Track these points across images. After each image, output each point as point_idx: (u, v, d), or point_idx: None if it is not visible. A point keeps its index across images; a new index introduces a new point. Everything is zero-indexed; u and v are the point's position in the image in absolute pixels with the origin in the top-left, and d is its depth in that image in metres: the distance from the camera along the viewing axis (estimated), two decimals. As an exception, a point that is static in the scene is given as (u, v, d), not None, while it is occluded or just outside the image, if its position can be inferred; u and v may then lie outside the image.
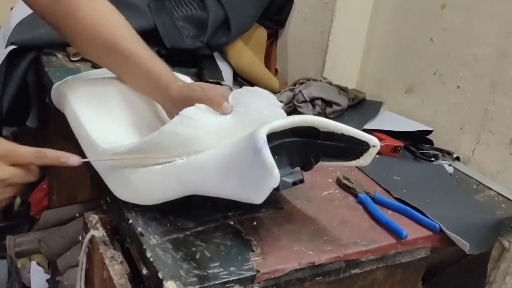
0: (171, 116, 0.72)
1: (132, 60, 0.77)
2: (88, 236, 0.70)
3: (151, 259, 0.56)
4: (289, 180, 0.63)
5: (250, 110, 0.67)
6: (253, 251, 0.61)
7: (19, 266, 1.40)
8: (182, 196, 0.64)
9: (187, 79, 0.89)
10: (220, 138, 0.64)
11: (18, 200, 1.85)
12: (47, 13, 0.78)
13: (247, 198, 0.58)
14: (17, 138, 1.81)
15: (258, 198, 0.57)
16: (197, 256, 0.58)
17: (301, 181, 0.66)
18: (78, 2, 0.76)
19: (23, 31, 1.19)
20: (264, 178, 0.54)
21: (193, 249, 0.60)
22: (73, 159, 0.60)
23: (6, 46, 1.19)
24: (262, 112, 0.68)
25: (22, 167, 0.59)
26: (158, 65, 0.78)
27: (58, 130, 1.17)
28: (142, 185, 0.65)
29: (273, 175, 0.54)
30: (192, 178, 0.62)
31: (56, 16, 0.78)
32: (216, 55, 1.31)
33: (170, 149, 0.63)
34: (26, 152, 0.59)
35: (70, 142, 0.79)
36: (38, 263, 1.41)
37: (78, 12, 0.76)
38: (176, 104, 0.72)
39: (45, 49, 1.21)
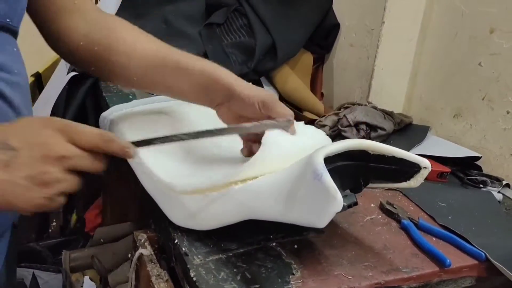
0: (233, 114, 0.74)
1: (187, 68, 0.74)
2: (137, 254, 0.73)
3: (194, 279, 0.59)
4: (344, 203, 0.63)
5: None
6: (293, 274, 0.62)
7: (73, 280, 1.46)
8: (240, 221, 0.65)
9: None
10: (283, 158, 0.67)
11: (74, 217, 1.94)
12: (84, 43, 0.75)
13: (310, 223, 0.59)
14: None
15: (321, 223, 0.57)
16: (238, 277, 0.60)
17: (355, 203, 0.67)
18: (115, 25, 0.78)
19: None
20: (327, 203, 0.55)
21: (235, 270, 0.62)
22: (134, 152, 0.56)
23: (68, 72, 1.27)
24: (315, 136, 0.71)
25: (86, 150, 0.53)
26: (212, 65, 0.75)
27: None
28: (200, 211, 0.66)
29: (337, 200, 0.55)
30: (251, 204, 0.63)
31: (94, 44, 0.75)
32: (262, 79, 1.34)
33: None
34: (90, 131, 0.53)
35: (123, 164, 0.84)
36: (90, 278, 1.47)
37: (117, 34, 0.76)
38: (244, 104, 0.71)
39: (103, 75, 1.28)
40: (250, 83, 0.74)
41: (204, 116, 0.83)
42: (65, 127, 0.52)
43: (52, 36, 0.78)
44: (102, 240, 1.32)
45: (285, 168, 0.63)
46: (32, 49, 1.07)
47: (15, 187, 0.49)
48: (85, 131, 0.53)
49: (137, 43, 0.77)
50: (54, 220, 1.83)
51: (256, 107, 0.70)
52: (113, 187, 1.27)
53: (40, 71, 1.91)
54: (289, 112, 0.71)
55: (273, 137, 0.68)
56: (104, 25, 0.78)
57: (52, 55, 1.92)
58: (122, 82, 0.86)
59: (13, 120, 0.53)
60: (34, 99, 1.05)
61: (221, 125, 0.80)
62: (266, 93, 0.73)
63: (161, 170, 0.72)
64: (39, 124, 0.51)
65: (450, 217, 0.83)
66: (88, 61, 0.78)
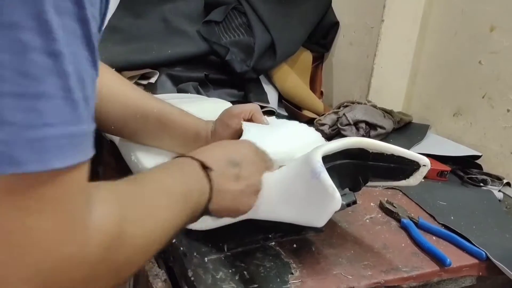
0: None
1: (167, 120, 0.75)
2: (134, 254, 0.73)
3: (192, 278, 0.58)
4: (343, 202, 0.62)
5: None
6: (292, 273, 0.62)
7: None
8: (239, 220, 0.64)
9: (227, 104, 0.91)
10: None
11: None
12: None
13: (308, 222, 0.59)
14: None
15: (320, 222, 0.57)
16: (237, 277, 0.60)
17: (354, 202, 0.66)
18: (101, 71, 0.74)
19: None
20: (326, 202, 0.55)
21: (233, 269, 0.61)
22: None
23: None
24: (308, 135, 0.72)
25: None
26: (190, 117, 0.78)
27: (111, 151, 1.23)
28: None
29: (335, 199, 0.54)
30: None
31: None
32: (262, 78, 1.34)
33: None
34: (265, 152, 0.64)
35: (123, 164, 0.83)
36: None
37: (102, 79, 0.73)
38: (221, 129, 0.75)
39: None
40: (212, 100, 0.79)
41: (204, 116, 0.83)
42: (254, 145, 0.64)
43: None
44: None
45: (283, 167, 0.62)
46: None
47: (243, 196, 0.59)
48: (264, 153, 0.64)
49: (119, 90, 0.74)
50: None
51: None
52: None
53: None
54: (251, 107, 0.76)
55: (258, 135, 0.68)
56: None
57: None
58: (101, 127, 0.82)
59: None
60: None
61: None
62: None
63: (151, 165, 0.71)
64: (244, 143, 0.64)
65: (450, 216, 0.82)
66: None
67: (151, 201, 0.46)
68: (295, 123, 0.80)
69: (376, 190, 0.89)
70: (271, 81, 1.35)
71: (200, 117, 0.79)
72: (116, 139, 0.84)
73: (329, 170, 0.56)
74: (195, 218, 0.54)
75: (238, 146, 0.63)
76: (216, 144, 0.62)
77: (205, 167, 0.55)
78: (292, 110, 1.29)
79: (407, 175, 0.67)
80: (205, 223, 0.66)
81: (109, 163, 1.23)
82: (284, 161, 0.65)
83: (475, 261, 0.71)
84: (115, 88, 0.73)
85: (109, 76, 0.74)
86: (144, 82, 1.26)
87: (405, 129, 1.17)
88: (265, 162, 0.63)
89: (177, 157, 0.57)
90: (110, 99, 0.72)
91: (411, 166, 0.66)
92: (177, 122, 0.76)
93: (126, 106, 0.73)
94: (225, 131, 0.74)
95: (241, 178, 0.58)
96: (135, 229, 0.42)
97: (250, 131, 0.69)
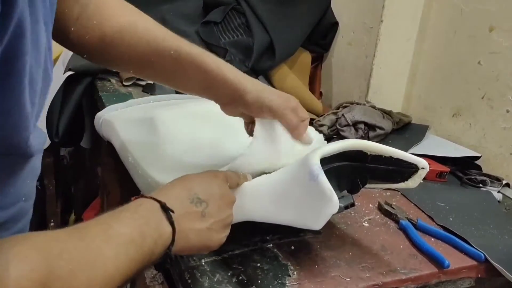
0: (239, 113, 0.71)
1: (189, 63, 0.67)
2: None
3: (189, 281, 0.58)
4: (341, 204, 0.62)
5: None
6: (290, 276, 0.62)
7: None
8: (236, 222, 0.64)
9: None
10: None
11: (72, 217, 1.94)
12: (77, 27, 0.67)
13: (305, 224, 0.59)
14: (73, 157, 1.91)
15: (317, 224, 0.57)
16: (234, 279, 0.59)
17: (352, 204, 0.66)
18: (109, 5, 0.69)
19: (80, 58, 1.26)
20: (323, 205, 0.55)
21: (231, 272, 0.61)
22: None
23: (64, 72, 1.26)
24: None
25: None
26: (216, 62, 0.67)
27: (109, 152, 1.23)
28: None
29: (332, 201, 0.54)
30: (246, 205, 0.62)
31: (87, 28, 0.67)
32: (261, 78, 1.33)
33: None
34: (235, 175, 0.63)
35: (121, 164, 0.83)
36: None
37: (112, 17, 0.68)
38: (251, 109, 0.67)
39: (100, 75, 1.28)
40: (258, 82, 0.70)
41: (201, 117, 0.82)
42: (225, 176, 0.61)
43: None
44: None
45: (281, 169, 0.62)
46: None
47: (211, 232, 0.57)
48: (233, 176, 0.63)
49: (135, 26, 0.68)
50: (52, 221, 1.83)
51: (264, 115, 0.67)
52: (111, 187, 1.27)
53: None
54: (296, 122, 0.68)
55: (263, 135, 0.66)
56: (96, 3, 0.69)
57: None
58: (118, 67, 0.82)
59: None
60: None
61: (220, 127, 0.79)
62: (276, 97, 0.68)
63: (155, 171, 0.71)
64: (211, 178, 0.60)
65: (449, 218, 0.82)
66: (83, 49, 0.71)
67: (88, 253, 0.44)
68: None
69: (374, 191, 0.88)
70: (270, 82, 1.34)
71: (201, 120, 0.78)
72: (114, 140, 0.83)
73: (327, 172, 0.56)
74: (152, 263, 0.52)
75: (204, 181, 0.59)
76: (180, 180, 0.59)
77: (166, 209, 0.53)
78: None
79: (405, 177, 0.67)
80: None
81: (107, 163, 1.23)
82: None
83: (473, 263, 0.71)
84: (136, 23, 0.68)
85: (132, 10, 0.70)
86: (143, 82, 1.26)
87: (404, 129, 1.17)
88: (230, 196, 0.60)
89: (139, 197, 0.54)
90: (131, 34, 0.67)
91: (409, 169, 0.66)
92: (199, 65, 0.66)
93: (147, 43, 0.66)
94: (255, 112, 0.68)
95: (207, 216, 0.56)
96: (64, 286, 0.40)
97: (259, 138, 0.66)
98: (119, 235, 0.47)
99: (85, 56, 0.72)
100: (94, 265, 0.44)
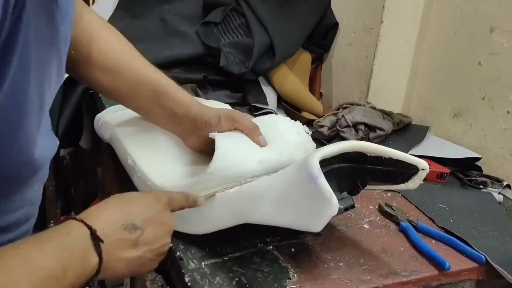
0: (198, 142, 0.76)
1: (161, 92, 0.75)
2: (131, 258, 0.72)
3: (189, 284, 0.58)
4: (341, 206, 0.62)
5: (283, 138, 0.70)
6: (290, 278, 0.61)
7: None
8: (235, 225, 0.64)
9: (226, 107, 0.90)
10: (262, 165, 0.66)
11: (72, 218, 1.93)
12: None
13: (305, 227, 0.58)
14: (73, 158, 1.90)
15: (317, 226, 0.56)
16: (234, 282, 0.59)
17: (352, 206, 0.66)
18: (98, 28, 0.74)
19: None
20: (323, 207, 0.54)
21: (231, 274, 0.61)
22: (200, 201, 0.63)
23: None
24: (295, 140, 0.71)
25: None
26: (185, 93, 0.77)
27: (109, 153, 1.22)
28: (195, 216, 0.65)
29: (332, 204, 0.54)
30: (246, 208, 0.62)
31: (74, 46, 0.70)
32: (260, 79, 1.33)
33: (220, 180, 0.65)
34: (181, 198, 0.60)
35: (120, 165, 0.83)
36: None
37: (99, 40, 0.73)
38: (211, 125, 0.74)
39: (99, 75, 1.27)
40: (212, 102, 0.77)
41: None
42: (169, 200, 0.58)
43: None
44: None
45: (280, 171, 0.62)
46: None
47: (143, 261, 0.54)
48: (179, 198, 0.60)
49: (120, 52, 0.75)
50: (52, 222, 1.83)
51: (223, 127, 0.73)
52: (111, 188, 1.27)
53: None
54: (252, 125, 0.72)
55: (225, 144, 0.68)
56: (85, 29, 0.73)
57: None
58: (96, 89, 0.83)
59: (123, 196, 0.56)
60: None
61: None
62: (227, 111, 0.76)
63: (154, 173, 0.71)
64: (151, 201, 0.56)
65: (449, 219, 0.82)
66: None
67: (6, 286, 0.41)
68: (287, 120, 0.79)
69: (375, 192, 0.88)
70: (270, 83, 1.34)
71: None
72: (114, 142, 0.83)
73: (327, 174, 0.56)
74: None
75: (143, 204, 0.55)
76: (117, 201, 0.55)
77: (95, 237, 0.49)
78: (291, 111, 1.29)
79: (405, 179, 0.67)
80: (201, 228, 0.66)
81: (107, 164, 1.23)
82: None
83: (474, 265, 0.71)
84: (122, 54, 0.74)
85: (120, 40, 0.76)
86: (142, 83, 1.25)
87: (405, 130, 1.17)
88: (170, 223, 0.57)
89: (70, 218, 0.50)
90: (115, 62, 0.73)
91: (409, 170, 0.66)
92: (174, 98, 0.75)
93: (134, 75, 0.74)
94: (215, 127, 0.73)
95: (141, 244, 0.53)
96: None
97: (222, 147, 0.67)
98: (40, 269, 0.44)
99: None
100: None
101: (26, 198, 0.55)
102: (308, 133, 0.76)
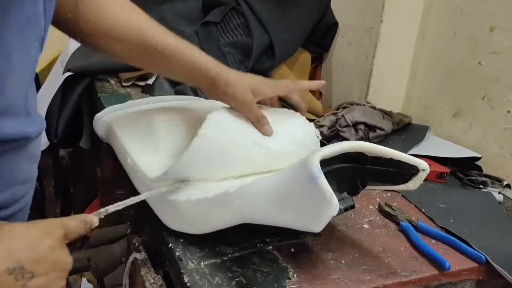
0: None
1: (171, 56, 0.75)
2: (130, 258, 0.72)
3: (188, 284, 0.57)
4: (341, 206, 0.62)
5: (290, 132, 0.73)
6: (290, 278, 0.61)
7: (71, 282, 1.45)
8: (234, 224, 0.64)
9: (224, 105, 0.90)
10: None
11: (71, 218, 1.93)
12: (72, 17, 0.71)
13: (305, 227, 0.58)
14: (72, 158, 1.90)
15: (317, 227, 0.56)
16: (234, 282, 0.59)
17: (352, 206, 0.66)
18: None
19: (79, 58, 1.26)
20: (323, 207, 0.54)
21: (230, 274, 0.60)
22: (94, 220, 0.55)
23: (63, 73, 1.26)
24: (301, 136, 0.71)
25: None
26: (196, 54, 0.77)
27: (108, 153, 1.22)
28: (194, 216, 0.65)
29: (332, 204, 0.53)
30: (245, 207, 0.62)
31: (80, 20, 0.71)
32: (260, 79, 1.33)
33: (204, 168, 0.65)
34: (77, 227, 0.52)
35: (120, 166, 0.82)
36: (88, 280, 1.46)
37: (105, 10, 0.73)
38: (233, 90, 0.75)
39: (99, 75, 1.27)
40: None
41: (201, 119, 0.82)
42: (64, 233, 0.50)
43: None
44: (99, 242, 1.31)
45: (280, 171, 0.62)
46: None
47: None
48: (75, 226, 0.51)
49: (125, 21, 0.75)
50: (52, 221, 1.82)
51: (246, 98, 0.74)
52: (110, 189, 1.26)
53: (37, 71, 1.90)
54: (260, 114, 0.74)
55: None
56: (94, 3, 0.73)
57: (49, 55, 1.91)
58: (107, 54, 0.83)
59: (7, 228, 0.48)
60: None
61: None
62: (254, 81, 0.77)
63: (154, 174, 0.70)
64: (41, 236, 0.47)
65: (449, 219, 0.81)
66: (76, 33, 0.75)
67: None
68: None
69: (375, 193, 0.88)
70: (269, 82, 1.34)
71: (200, 120, 0.78)
72: (113, 142, 0.83)
73: (327, 174, 0.56)
74: None
75: (32, 242, 0.46)
76: (3, 234, 0.46)
77: None
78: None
79: (406, 179, 0.67)
80: (200, 228, 0.66)
81: (106, 165, 1.22)
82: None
83: (474, 264, 0.70)
84: (128, 15, 0.74)
85: (125, 4, 0.76)
86: (142, 83, 1.25)
87: (405, 130, 1.17)
88: (65, 261, 0.49)
89: None
90: (120, 26, 0.73)
91: (410, 171, 0.66)
92: (183, 58, 0.76)
93: (137, 37, 0.74)
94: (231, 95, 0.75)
95: None
96: None
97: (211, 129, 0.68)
98: None
99: (79, 39, 0.77)
100: None
101: (17, 177, 0.54)
102: (318, 137, 0.77)
